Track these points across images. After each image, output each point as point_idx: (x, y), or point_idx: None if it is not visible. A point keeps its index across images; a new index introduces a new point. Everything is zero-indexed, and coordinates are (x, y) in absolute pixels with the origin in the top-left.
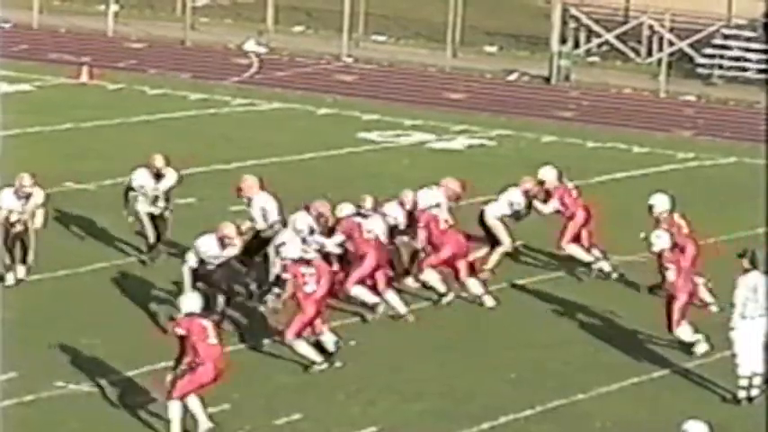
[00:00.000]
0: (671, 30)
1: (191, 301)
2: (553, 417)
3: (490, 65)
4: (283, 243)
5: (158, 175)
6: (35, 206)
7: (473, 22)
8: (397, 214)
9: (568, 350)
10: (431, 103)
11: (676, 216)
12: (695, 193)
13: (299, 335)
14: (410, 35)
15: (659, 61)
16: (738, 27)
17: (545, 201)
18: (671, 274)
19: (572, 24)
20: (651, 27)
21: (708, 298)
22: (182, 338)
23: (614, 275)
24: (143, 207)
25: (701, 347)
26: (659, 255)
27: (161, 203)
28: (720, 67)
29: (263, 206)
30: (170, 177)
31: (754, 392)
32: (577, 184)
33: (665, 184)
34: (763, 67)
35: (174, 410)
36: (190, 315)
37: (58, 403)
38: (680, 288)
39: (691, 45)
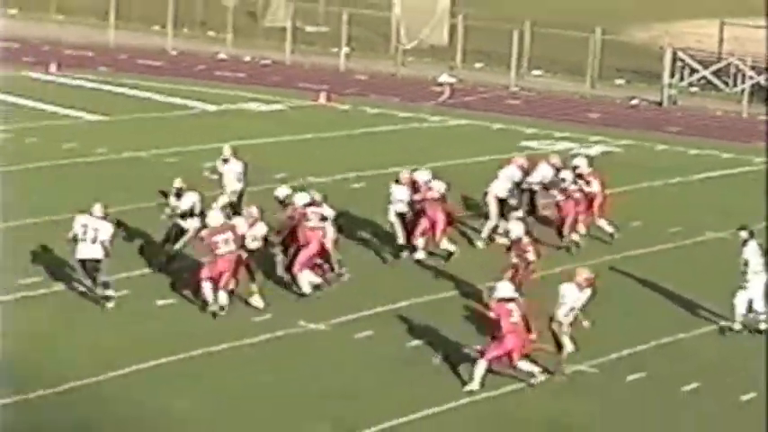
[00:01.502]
0: (752, 68)
1: (504, 287)
2: None
3: (619, 93)
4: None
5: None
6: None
7: (607, 62)
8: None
9: None
10: (575, 121)
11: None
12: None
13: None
14: (560, 71)
15: (742, 91)
16: None
17: (588, 183)
18: None
19: (679, 63)
20: (737, 66)
21: None
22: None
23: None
24: (396, 208)
25: None
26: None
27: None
28: None
29: None
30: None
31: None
32: (681, 180)
33: (744, 181)
34: None
35: (480, 368)
36: (502, 300)
37: (300, 339)
38: None
39: (766, 79)
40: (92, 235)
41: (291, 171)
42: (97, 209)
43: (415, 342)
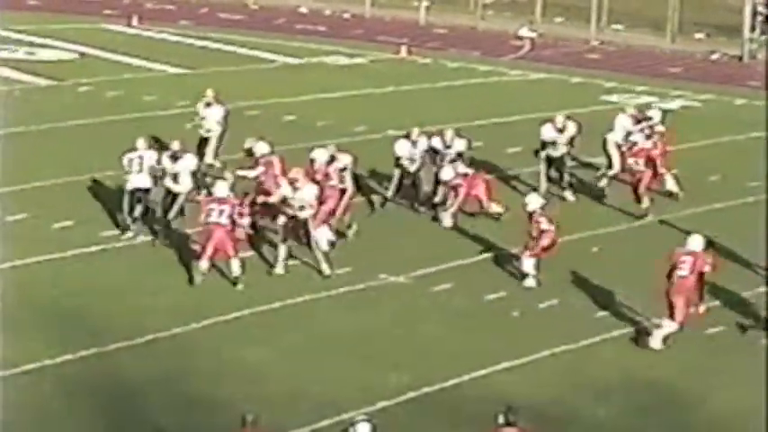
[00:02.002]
0: None
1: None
2: None
3: (699, 47)
4: None
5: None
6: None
7: (686, 17)
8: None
9: None
10: (655, 75)
11: None
12: None
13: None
14: (641, 25)
15: None
16: None
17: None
18: None
19: (759, 17)
20: None
21: None
22: None
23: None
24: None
25: None
26: None
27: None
28: None
29: None
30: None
31: None
32: (760, 135)
33: None
34: None
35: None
36: None
37: (380, 291)
38: None
39: None
40: (137, 166)
41: (371, 124)
42: (141, 143)
43: (494, 295)
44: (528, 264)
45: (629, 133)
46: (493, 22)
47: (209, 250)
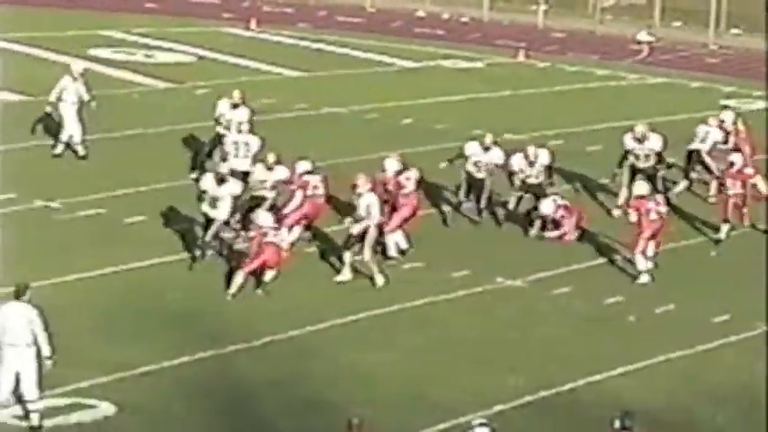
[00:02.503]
0: None
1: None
2: None
3: None
4: None
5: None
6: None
7: None
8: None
9: None
10: None
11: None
12: None
13: None
14: (760, 29)
15: None
16: None
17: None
18: None
19: None
20: None
21: None
22: None
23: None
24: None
25: None
26: None
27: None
28: None
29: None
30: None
31: None
32: None
33: None
34: None
35: None
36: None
37: (497, 295)
38: None
39: None
40: (243, 151)
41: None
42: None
43: (611, 299)
44: (639, 260)
45: (715, 143)
46: (611, 27)
47: (256, 264)
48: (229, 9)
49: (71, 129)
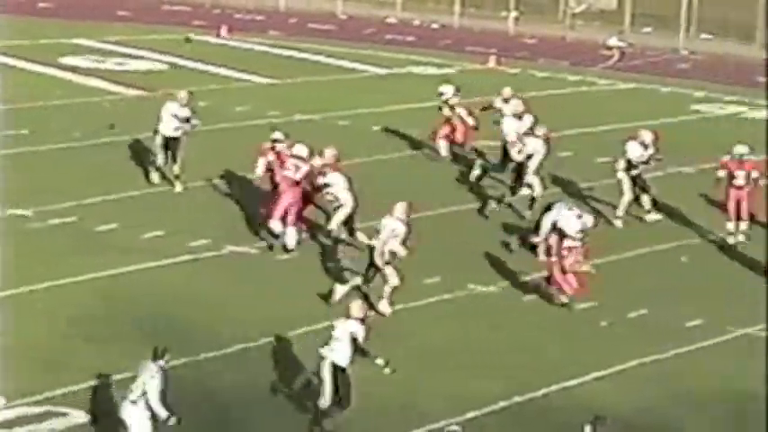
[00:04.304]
0: None
1: None
2: None
3: None
4: None
5: None
6: None
7: None
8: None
9: None
10: (744, 85)
11: None
12: None
13: None
14: (730, 34)
15: None
16: None
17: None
18: None
19: None
20: None
21: None
22: None
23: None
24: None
25: None
26: None
27: None
28: None
29: None
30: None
31: None
32: None
33: None
34: None
35: None
36: None
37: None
38: None
39: None
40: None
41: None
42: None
43: (584, 305)
44: None
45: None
46: (582, 32)
47: None
48: (200, 17)
49: None
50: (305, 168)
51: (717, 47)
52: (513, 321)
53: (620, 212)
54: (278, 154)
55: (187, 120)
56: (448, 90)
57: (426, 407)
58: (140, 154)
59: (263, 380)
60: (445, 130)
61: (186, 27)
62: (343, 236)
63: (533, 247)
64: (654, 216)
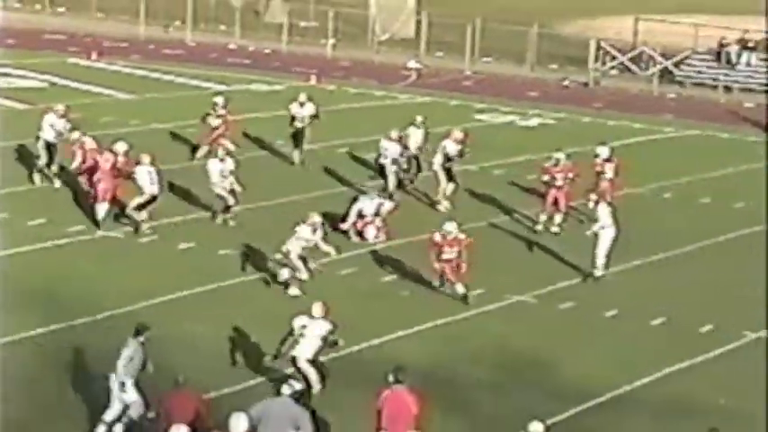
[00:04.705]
0: (661, 55)
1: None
2: None
3: (552, 75)
4: None
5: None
6: None
7: (543, 50)
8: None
9: None
10: (517, 99)
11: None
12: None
13: None
14: (505, 57)
15: (653, 74)
16: (701, 53)
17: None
18: None
19: (601, 51)
20: (648, 53)
21: None
22: None
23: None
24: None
25: None
26: None
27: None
28: (689, 77)
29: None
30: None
31: None
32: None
33: (653, 147)
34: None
35: None
36: None
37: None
38: None
39: (673, 64)
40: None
41: (288, 139)
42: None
43: (389, 277)
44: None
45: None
46: (386, 56)
47: None
48: (75, 43)
49: None
50: (113, 161)
51: (494, 68)
52: (331, 291)
53: (439, 197)
54: (90, 151)
55: (63, 128)
56: (220, 100)
57: (258, 363)
58: (25, 157)
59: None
60: (212, 135)
61: (63, 52)
62: (142, 216)
63: (344, 232)
64: (447, 205)
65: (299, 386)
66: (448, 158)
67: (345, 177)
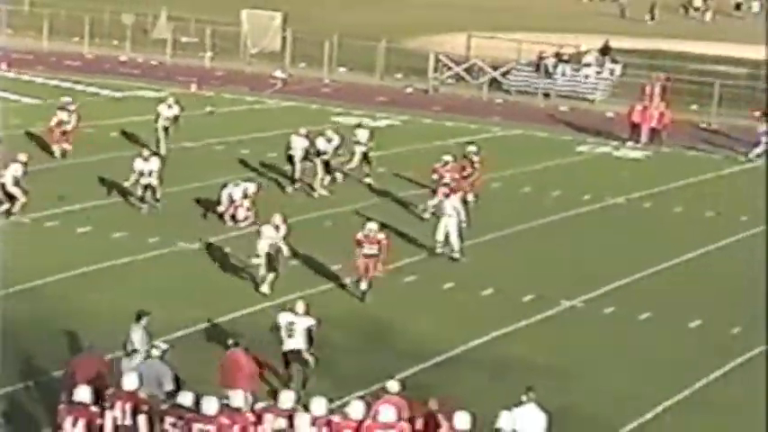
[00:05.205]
0: (491, 66)
1: None
2: None
3: (398, 83)
4: None
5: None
6: None
7: (390, 62)
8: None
9: None
10: (369, 103)
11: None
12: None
13: None
14: (357, 68)
15: (483, 82)
16: (524, 65)
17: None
18: None
19: (440, 63)
20: (479, 65)
21: None
22: None
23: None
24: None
25: None
26: None
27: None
28: (513, 85)
29: None
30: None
31: None
32: (440, 144)
33: (485, 144)
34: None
35: None
36: None
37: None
38: None
39: (500, 75)
40: None
41: (172, 139)
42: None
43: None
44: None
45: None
46: (256, 67)
47: None
48: None
49: None
50: None
51: (349, 77)
52: (215, 272)
53: (316, 185)
54: None
55: None
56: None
57: (157, 326)
58: None
59: (47, 310)
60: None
61: None
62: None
63: (221, 215)
64: (323, 192)
65: (164, 346)
66: (319, 153)
67: (221, 170)
